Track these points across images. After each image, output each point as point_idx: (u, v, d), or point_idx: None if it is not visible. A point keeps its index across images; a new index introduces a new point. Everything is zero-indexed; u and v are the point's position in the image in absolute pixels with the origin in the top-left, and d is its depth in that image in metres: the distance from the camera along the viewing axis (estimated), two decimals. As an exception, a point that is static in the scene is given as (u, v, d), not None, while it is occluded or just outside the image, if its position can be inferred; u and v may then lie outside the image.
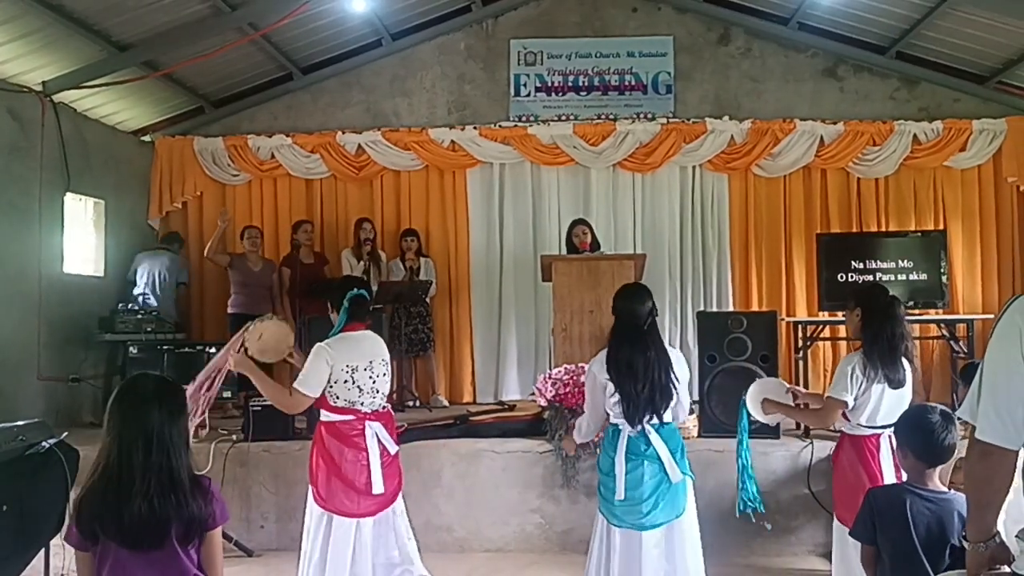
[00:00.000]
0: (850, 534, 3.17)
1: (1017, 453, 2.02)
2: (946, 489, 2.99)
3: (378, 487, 3.85)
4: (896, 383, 3.95)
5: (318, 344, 3.92)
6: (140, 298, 7.81)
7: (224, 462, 5.73)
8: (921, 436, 2.95)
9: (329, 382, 3.88)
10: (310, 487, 3.92)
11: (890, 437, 3.84)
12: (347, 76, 8.90)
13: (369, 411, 3.95)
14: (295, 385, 3.88)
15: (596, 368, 3.78)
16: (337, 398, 3.92)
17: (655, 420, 3.70)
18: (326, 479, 3.85)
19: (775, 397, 4.34)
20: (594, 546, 3.80)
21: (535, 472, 5.71)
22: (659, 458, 3.67)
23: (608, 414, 3.79)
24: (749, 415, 4.39)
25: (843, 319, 6.67)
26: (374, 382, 3.97)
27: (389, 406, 4.14)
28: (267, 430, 5.89)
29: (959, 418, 2.21)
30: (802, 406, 4.39)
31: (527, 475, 5.72)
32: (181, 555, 2.47)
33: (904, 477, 3.15)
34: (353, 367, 3.91)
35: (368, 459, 3.86)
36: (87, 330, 7.41)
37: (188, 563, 2.49)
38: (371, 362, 3.98)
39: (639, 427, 3.68)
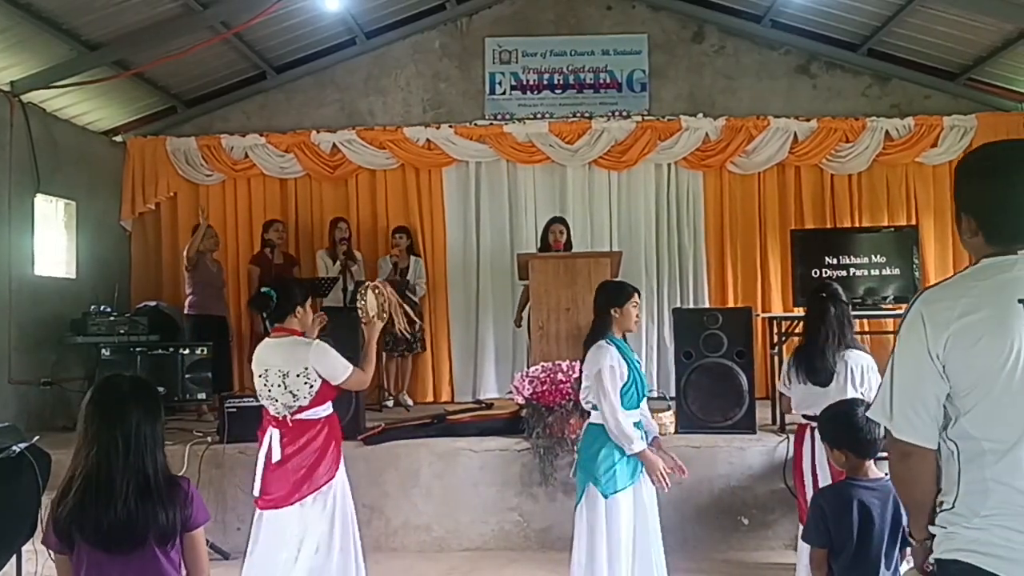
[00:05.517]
0: (802, 538, 3.20)
1: (937, 451, 1.96)
2: (882, 475, 3.04)
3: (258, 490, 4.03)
4: None
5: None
6: None
7: (199, 464, 5.68)
8: (855, 434, 2.99)
9: None
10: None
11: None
12: (321, 75, 8.85)
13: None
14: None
15: None
16: None
17: None
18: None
19: None
20: None
21: (513, 470, 5.70)
22: None
23: None
24: None
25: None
26: (269, 390, 4.00)
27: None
28: (242, 432, 5.81)
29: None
30: None
31: (505, 473, 5.71)
32: (160, 557, 2.44)
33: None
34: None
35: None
36: (59, 333, 7.28)
37: (167, 565, 2.46)
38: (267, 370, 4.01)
39: None
